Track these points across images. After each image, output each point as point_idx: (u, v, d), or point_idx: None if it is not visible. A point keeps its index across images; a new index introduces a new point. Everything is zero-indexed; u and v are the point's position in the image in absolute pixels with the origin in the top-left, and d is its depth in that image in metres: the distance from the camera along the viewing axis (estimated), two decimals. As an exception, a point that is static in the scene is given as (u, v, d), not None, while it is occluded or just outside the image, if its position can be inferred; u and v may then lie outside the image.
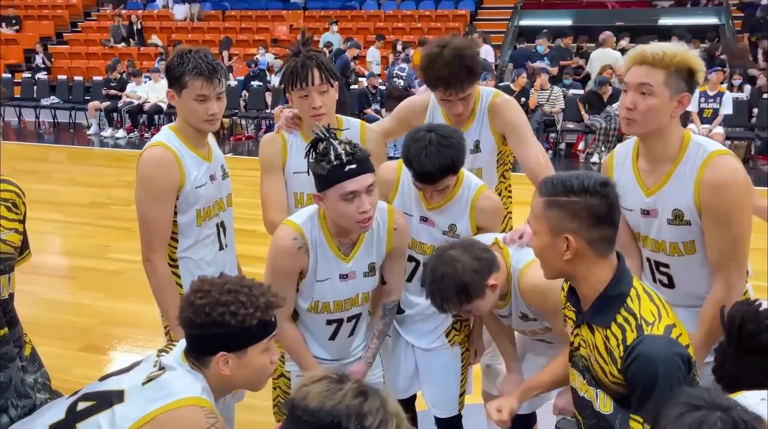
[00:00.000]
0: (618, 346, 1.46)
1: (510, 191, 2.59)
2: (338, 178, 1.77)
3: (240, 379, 1.53)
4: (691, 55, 1.81)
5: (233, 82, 11.08)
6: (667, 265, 1.95)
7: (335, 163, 1.76)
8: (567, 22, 13.25)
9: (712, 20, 12.76)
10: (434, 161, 1.93)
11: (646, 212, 1.92)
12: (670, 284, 1.96)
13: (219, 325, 1.45)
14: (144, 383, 1.46)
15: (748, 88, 9.48)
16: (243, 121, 11.18)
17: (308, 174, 1.88)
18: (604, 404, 1.54)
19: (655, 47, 1.81)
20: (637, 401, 1.43)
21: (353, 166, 1.76)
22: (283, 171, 2.31)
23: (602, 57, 9.99)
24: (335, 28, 12.88)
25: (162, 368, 1.49)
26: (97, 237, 5.97)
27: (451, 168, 1.97)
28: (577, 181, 1.49)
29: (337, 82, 2.24)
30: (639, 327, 1.46)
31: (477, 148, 2.38)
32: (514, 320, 2.02)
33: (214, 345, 1.48)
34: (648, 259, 2.00)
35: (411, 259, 2.19)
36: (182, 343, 1.55)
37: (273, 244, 1.94)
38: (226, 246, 2.32)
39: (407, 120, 2.49)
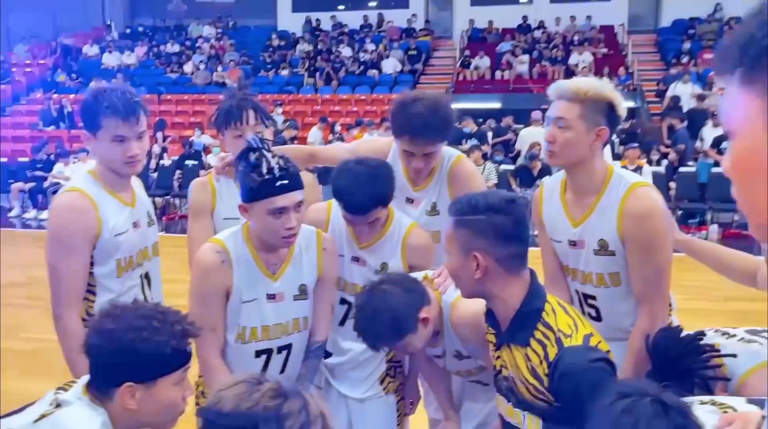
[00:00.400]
0: (541, 363, 1.46)
1: None
2: (268, 193, 1.73)
3: (147, 414, 1.36)
4: (607, 89, 1.87)
5: (167, 162, 10.96)
6: (594, 297, 1.97)
7: (267, 176, 1.71)
8: (496, 104, 13.94)
9: (628, 103, 13.69)
10: (364, 192, 1.91)
11: (573, 243, 1.96)
12: (598, 317, 1.98)
13: (128, 352, 1.30)
14: (35, 421, 1.28)
15: (665, 162, 10.09)
16: (177, 201, 10.98)
17: (239, 221, 1.82)
18: (531, 426, 1.51)
19: (571, 82, 1.90)
20: (573, 416, 1.37)
21: (285, 181, 1.73)
22: (212, 217, 2.24)
23: (531, 134, 10.49)
24: (279, 110, 13.07)
25: (58, 405, 1.32)
26: (11, 317, 5.57)
27: (380, 199, 1.95)
28: (482, 199, 1.52)
29: (272, 126, 2.22)
30: (558, 340, 1.46)
31: (434, 209, 2.28)
32: (449, 360, 1.94)
33: (120, 374, 1.32)
34: (576, 292, 2.02)
35: (343, 301, 2.12)
36: (84, 378, 1.38)
37: (195, 263, 1.86)
38: (152, 299, 2.15)
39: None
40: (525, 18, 16.93)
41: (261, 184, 1.72)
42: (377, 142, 2.45)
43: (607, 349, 1.51)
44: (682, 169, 9.65)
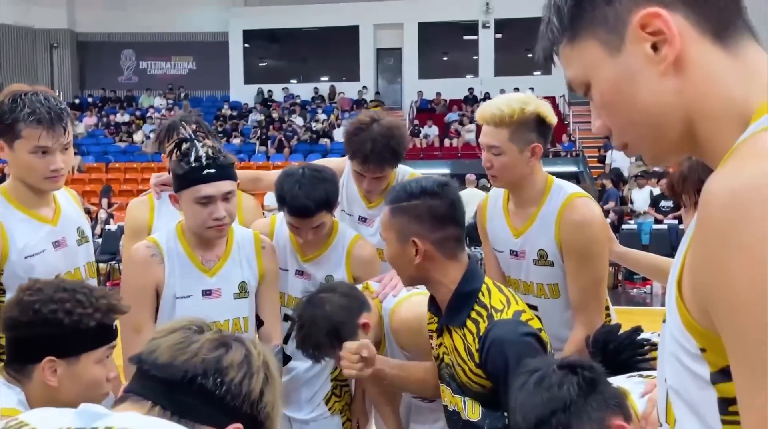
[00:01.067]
0: (474, 340, 1.48)
1: None
2: (194, 181, 1.70)
3: (68, 392, 1.26)
4: (531, 107, 1.83)
5: (113, 227, 10.73)
6: (535, 308, 1.95)
7: (194, 164, 1.70)
8: (446, 170, 14.26)
9: (572, 168, 14.23)
10: (309, 194, 1.89)
11: (515, 253, 1.97)
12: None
13: (49, 324, 1.23)
14: None
15: (608, 220, 10.46)
16: (122, 266, 10.65)
17: None
18: (472, 411, 1.52)
19: (494, 107, 1.85)
20: (504, 393, 1.39)
21: (212, 170, 1.71)
22: (149, 234, 2.15)
23: (468, 196, 10.73)
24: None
25: None
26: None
27: (325, 202, 1.92)
28: (416, 185, 1.53)
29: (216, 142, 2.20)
30: (490, 316, 1.48)
31: None
32: None
33: (40, 348, 1.23)
34: None
35: (286, 317, 2.04)
36: None
37: (125, 261, 1.81)
38: None
39: None
40: (471, 90, 17.63)
41: (188, 172, 1.71)
42: (331, 162, 2.44)
43: (539, 327, 1.54)
44: (624, 227, 9.97)
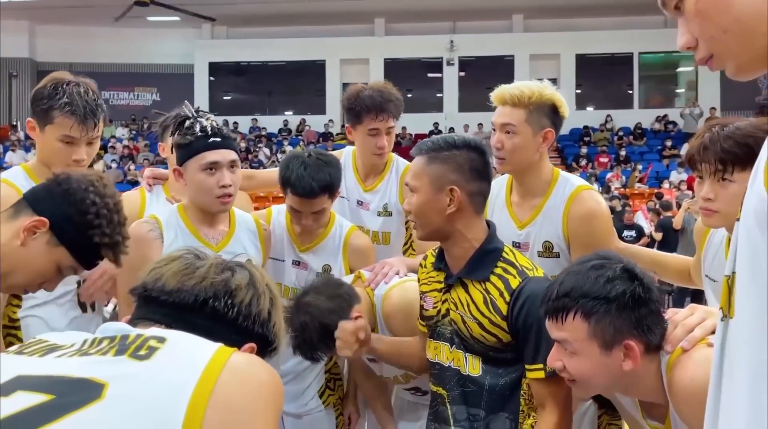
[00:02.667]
0: (501, 294, 1.51)
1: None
2: (200, 149, 1.74)
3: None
4: (549, 91, 1.87)
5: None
6: None
7: (199, 134, 1.73)
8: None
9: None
10: (314, 176, 1.90)
11: (517, 245, 1.93)
12: None
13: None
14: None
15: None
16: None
17: None
18: (473, 366, 1.55)
19: (513, 87, 1.88)
20: (534, 346, 1.48)
21: (218, 139, 1.74)
22: None
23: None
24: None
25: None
26: None
27: (329, 185, 1.93)
28: (458, 137, 1.58)
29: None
30: (521, 272, 1.53)
31: (386, 210, 2.35)
32: (385, 365, 1.89)
33: None
34: None
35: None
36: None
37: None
38: (93, 310, 1.93)
39: None
40: (436, 124, 17.90)
41: (193, 141, 1.75)
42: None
43: None
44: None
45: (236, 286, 0.98)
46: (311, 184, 1.89)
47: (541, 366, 1.48)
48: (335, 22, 18.28)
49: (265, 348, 1.03)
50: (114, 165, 16.10)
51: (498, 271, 1.54)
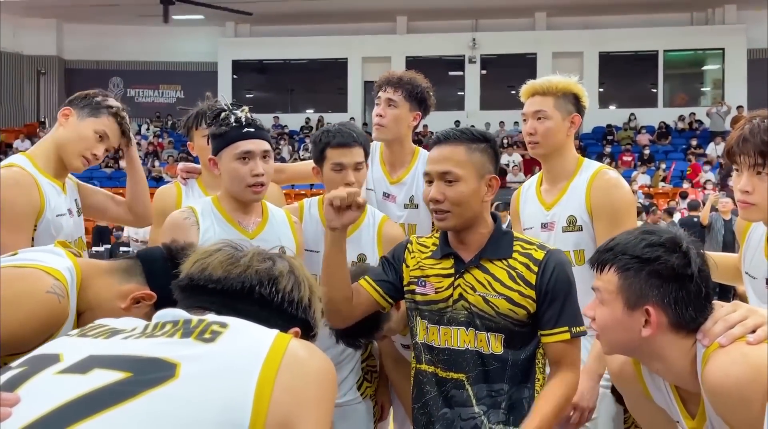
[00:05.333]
0: (527, 267, 1.59)
1: None
2: (235, 138, 1.81)
3: None
4: (573, 82, 2.13)
5: (101, 249, 10.72)
6: None
7: (234, 124, 1.81)
8: (431, 203, 14.35)
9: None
10: (350, 128, 2.06)
11: (545, 226, 2.12)
12: None
13: None
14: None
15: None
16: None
17: None
18: (495, 345, 1.60)
19: (542, 80, 2.13)
20: (558, 310, 1.57)
21: (251, 129, 1.82)
22: None
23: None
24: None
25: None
26: None
27: (364, 140, 2.06)
28: (482, 131, 1.68)
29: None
30: (541, 246, 1.64)
31: (412, 202, 2.40)
32: None
33: None
34: None
35: None
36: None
37: (162, 228, 1.90)
38: None
39: None
40: (457, 123, 17.80)
41: (228, 131, 1.82)
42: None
43: None
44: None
45: (279, 273, 1.03)
46: (350, 133, 2.03)
47: (566, 327, 1.57)
48: (357, 20, 18.32)
49: (307, 334, 1.08)
50: (181, 123, 16.31)
51: (517, 248, 1.63)
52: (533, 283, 1.58)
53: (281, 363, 0.88)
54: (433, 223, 2.38)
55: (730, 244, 8.05)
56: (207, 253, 1.06)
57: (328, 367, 0.96)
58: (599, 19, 17.92)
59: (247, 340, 0.91)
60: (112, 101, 2.07)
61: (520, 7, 17.66)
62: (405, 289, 1.71)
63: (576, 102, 2.12)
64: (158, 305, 1.33)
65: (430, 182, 1.63)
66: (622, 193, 2.04)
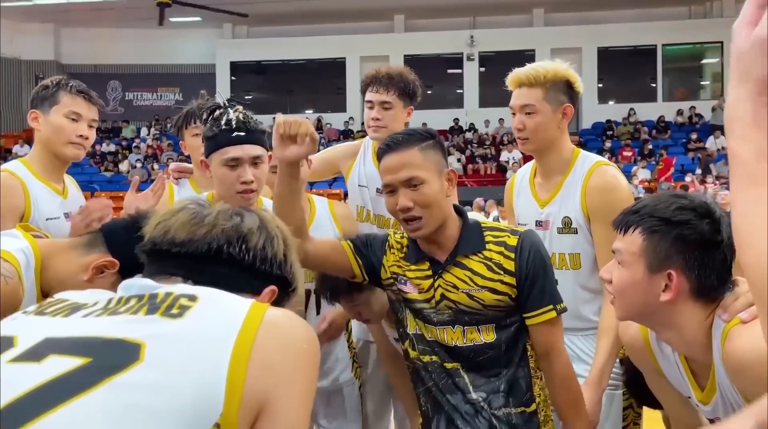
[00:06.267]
0: (503, 255, 1.56)
1: None
2: (223, 143, 1.72)
3: None
4: (563, 68, 1.93)
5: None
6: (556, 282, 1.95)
7: (224, 127, 1.72)
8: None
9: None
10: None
11: (539, 224, 1.97)
12: None
13: None
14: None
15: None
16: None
17: None
18: (487, 334, 1.58)
19: (528, 68, 1.92)
20: (540, 290, 1.55)
21: (241, 133, 1.72)
22: None
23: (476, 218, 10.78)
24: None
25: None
26: None
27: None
28: (418, 128, 1.64)
29: None
30: (513, 231, 1.60)
31: None
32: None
33: None
34: None
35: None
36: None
37: None
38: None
39: (334, 162, 2.51)
40: (456, 120, 17.83)
41: (217, 134, 1.74)
42: (347, 144, 2.60)
43: None
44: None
45: (248, 230, 0.94)
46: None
47: (551, 307, 1.56)
48: (355, 19, 18.29)
49: (285, 290, 1.01)
50: (138, 164, 16.32)
51: (489, 238, 1.59)
52: (512, 269, 1.55)
53: (257, 335, 0.79)
54: None
55: (732, 237, 8.02)
56: (169, 213, 0.96)
57: (310, 336, 0.87)
58: (597, 15, 17.88)
59: (218, 312, 0.82)
60: (62, 80, 2.04)
61: (518, 4, 17.63)
62: (385, 282, 1.68)
63: (568, 90, 1.92)
64: (124, 273, 1.29)
65: (391, 193, 1.57)
66: (621, 195, 1.87)
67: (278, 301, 1.00)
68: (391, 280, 1.67)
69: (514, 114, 1.96)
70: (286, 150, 1.52)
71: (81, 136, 2.00)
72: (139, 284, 0.89)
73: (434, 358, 1.62)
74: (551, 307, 1.57)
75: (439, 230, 1.58)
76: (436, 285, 1.60)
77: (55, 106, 1.99)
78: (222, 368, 0.76)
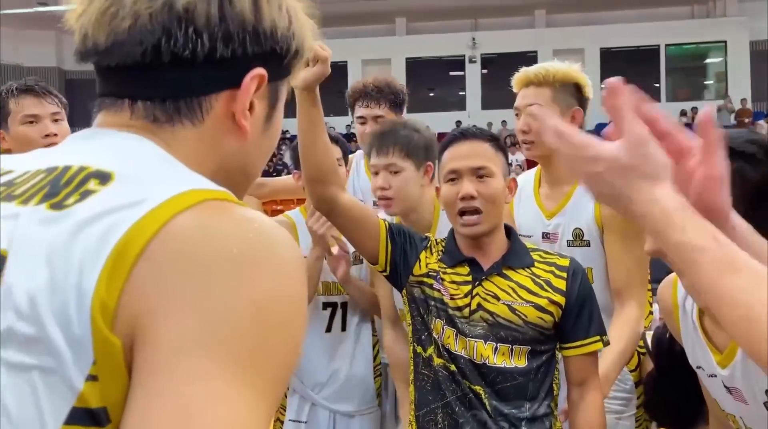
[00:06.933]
0: (554, 274, 1.50)
1: None
2: None
3: None
4: (574, 70, 1.81)
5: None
6: None
7: None
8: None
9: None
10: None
11: (546, 236, 1.83)
12: None
13: None
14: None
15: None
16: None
17: None
18: (518, 358, 1.47)
19: (537, 67, 1.81)
20: (588, 318, 1.49)
21: None
22: None
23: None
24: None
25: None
26: None
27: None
28: (486, 128, 1.60)
29: None
30: (560, 254, 1.57)
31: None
32: None
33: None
34: None
35: (327, 305, 2.04)
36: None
37: None
38: None
39: None
40: (459, 123, 17.78)
41: None
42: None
43: None
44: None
45: (186, 3, 0.61)
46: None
47: (598, 337, 1.49)
48: (356, 23, 18.29)
49: (280, 63, 0.68)
50: None
51: (536, 257, 1.53)
52: (564, 289, 1.48)
53: (149, 242, 0.51)
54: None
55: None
56: (81, 4, 0.64)
57: (251, 249, 0.53)
58: (599, 15, 17.85)
59: (113, 203, 0.53)
60: (5, 88, 1.92)
61: (520, 5, 17.60)
62: (416, 278, 1.55)
63: (577, 93, 1.81)
64: None
65: (453, 181, 1.48)
66: None
67: (276, 85, 0.70)
68: (424, 278, 1.54)
69: (518, 116, 1.84)
70: (298, 76, 1.45)
71: (47, 135, 1.86)
72: (71, 143, 0.65)
73: (458, 371, 1.49)
74: (599, 337, 1.49)
75: (491, 234, 1.50)
76: (474, 292, 1.49)
77: (8, 117, 1.87)
78: (91, 279, 0.50)
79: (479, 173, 1.47)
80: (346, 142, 2.11)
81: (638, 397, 1.81)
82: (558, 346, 1.53)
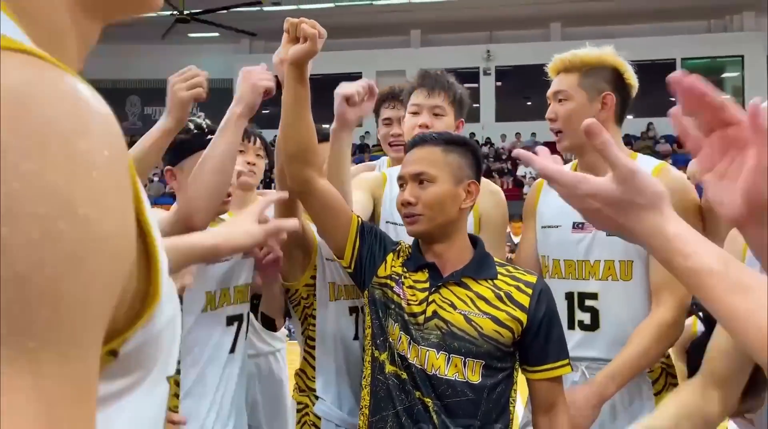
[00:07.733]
0: (519, 289, 1.45)
1: None
2: (200, 146, 1.60)
3: None
4: (608, 54, 1.71)
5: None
6: (594, 296, 1.68)
7: (195, 131, 1.64)
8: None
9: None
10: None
11: (579, 226, 1.70)
12: (594, 324, 1.68)
13: None
14: None
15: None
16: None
17: None
18: (472, 372, 1.41)
19: (568, 53, 1.75)
20: (557, 342, 1.45)
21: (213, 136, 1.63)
22: None
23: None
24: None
25: None
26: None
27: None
28: (460, 135, 1.56)
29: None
30: (527, 271, 1.51)
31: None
32: None
33: None
34: (568, 295, 1.72)
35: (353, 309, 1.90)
36: None
37: None
38: None
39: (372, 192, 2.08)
40: (472, 135, 17.73)
41: (189, 139, 1.64)
42: (369, 174, 2.24)
43: None
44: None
45: None
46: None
47: (567, 361, 1.45)
48: (371, 35, 18.37)
49: None
50: (155, 178, 16.43)
51: (501, 270, 1.49)
52: (526, 305, 1.43)
53: None
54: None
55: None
56: None
57: (70, 111, 0.39)
58: (615, 29, 17.77)
59: None
60: None
61: (535, 18, 17.58)
62: (380, 280, 1.52)
63: (614, 79, 1.68)
64: None
65: (402, 187, 1.50)
66: (693, 196, 1.61)
67: None
68: (387, 280, 1.52)
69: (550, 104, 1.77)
70: (290, 49, 1.48)
71: None
72: None
73: (409, 382, 1.45)
74: (566, 361, 1.46)
75: (445, 241, 1.47)
76: (430, 299, 1.46)
77: None
78: None
79: (419, 179, 1.47)
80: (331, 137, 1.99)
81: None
82: (521, 369, 1.49)
